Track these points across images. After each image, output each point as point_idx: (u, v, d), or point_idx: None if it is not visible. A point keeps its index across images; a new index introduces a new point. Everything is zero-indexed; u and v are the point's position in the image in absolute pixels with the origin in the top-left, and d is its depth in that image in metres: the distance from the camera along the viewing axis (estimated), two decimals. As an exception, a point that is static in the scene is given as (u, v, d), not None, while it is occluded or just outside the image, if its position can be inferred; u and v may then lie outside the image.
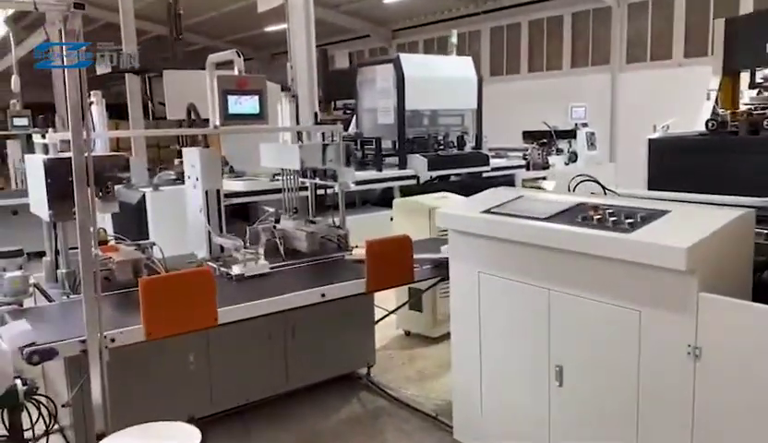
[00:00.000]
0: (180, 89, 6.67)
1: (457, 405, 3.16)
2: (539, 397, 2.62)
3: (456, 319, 3.08)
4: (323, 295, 3.36)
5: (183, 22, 9.56)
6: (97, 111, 3.50)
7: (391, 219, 7.07)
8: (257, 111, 3.52)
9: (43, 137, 3.44)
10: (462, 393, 3.12)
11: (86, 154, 2.59)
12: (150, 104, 6.93)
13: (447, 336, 5.07)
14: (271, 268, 3.79)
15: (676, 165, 4.25)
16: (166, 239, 3.95)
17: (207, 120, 3.87)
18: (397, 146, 7.58)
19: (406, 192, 7.25)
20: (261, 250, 4.25)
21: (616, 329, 2.32)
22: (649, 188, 4.14)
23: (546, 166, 8.71)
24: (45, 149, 3.61)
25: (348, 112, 10.07)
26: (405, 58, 7.41)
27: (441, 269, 3.74)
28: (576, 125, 9.31)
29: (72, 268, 3.46)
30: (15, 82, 2.75)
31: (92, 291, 2.63)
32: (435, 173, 7.45)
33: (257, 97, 3.51)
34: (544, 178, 8.68)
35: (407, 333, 5.21)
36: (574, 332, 2.46)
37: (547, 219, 2.49)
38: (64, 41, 2.48)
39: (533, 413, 2.67)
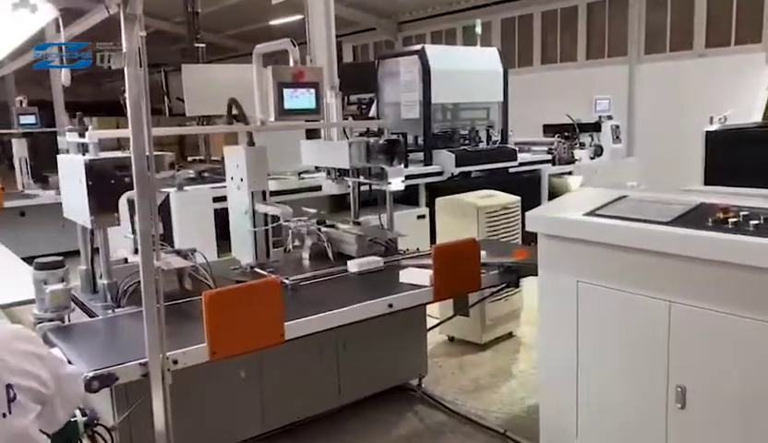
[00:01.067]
0: (200, 83, 6.38)
1: (546, 427, 2.90)
2: (654, 421, 2.36)
3: (546, 333, 2.82)
4: (390, 306, 3.09)
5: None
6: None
7: (419, 217, 6.88)
8: (313, 105, 3.23)
9: (81, 135, 3.12)
10: (552, 415, 2.85)
11: (147, 154, 2.31)
12: (166, 100, 6.63)
13: (495, 342, 4.86)
14: (319, 274, 3.53)
15: (736, 158, 4.03)
16: (191, 241, 3.68)
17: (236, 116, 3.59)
18: (421, 141, 7.30)
19: (432, 189, 6.99)
20: (306, 254, 3.99)
21: (755, 347, 2.06)
22: (705, 183, 3.91)
23: (571, 161, 8.46)
24: (79, 148, 3.30)
25: (363, 106, 9.77)
26: (431, 49, 7.12)
27: (508, 275, 3.50)
28: (600, 117, 9.07)
29: (114, 278, 3.17)
30: (65, 75, 2.47)
31: (154, 309, 2.34)
32: (462, 170, 7.18)
33: (313, 90, 3.22)
34: (570, 173, 8.45)
35: (451, 339, 4.95)
36: (701, 349, 2.21)
37: (671, 223, 2.23)
38: (123, 26, 2.18)
39: (645, 438, 2.41)
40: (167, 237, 4.90)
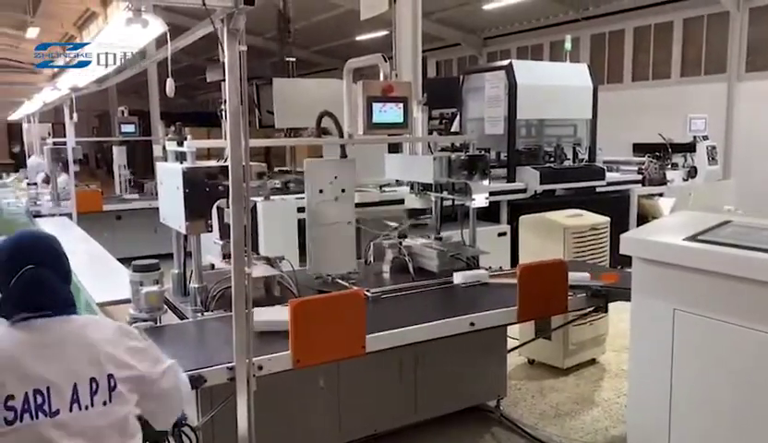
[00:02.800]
0: (289, 97, 6.56)
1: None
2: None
3: (638, 363, 2.68)
4: (472, 324, 3.03)
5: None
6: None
7: (500, 234, 6.75)
8: (401, 119, 3.24)
9: (180, 144, 3.27)
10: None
11: (244, 163, 2.38)
12: (257, 112, 6.87)
13: (578, 367, 4.68)
14: (401, 288, 3.52)
15: None
16: (276, 249, 3.75)
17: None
18: (504, 157, 7.19)
19: (515, 206, 6.86)
20: (387, 267, 4.00)
21: None
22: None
23: (663, 182, 8.08)
24: (177, 157, 3.45)
25: (444, 121, 9.75)
26: (518, 65, 7.02)
27: (596, 299, 3.36)
28: (695, 137, 8.63)
29: (204, 283, 3.29)
30: (170, 87, 2.61)
31: (243, 314, 2.40)
32: (546, 187, 7.01)
33: (402, 104, 3.23)
34: (661, 194, 8.08)
35: (531, 362, 4.81)
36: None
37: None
38: (226, 40, 2.26)
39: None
40: (254, 245, 5.06)
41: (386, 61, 3.39)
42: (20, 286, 1.80)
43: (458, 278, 3.48)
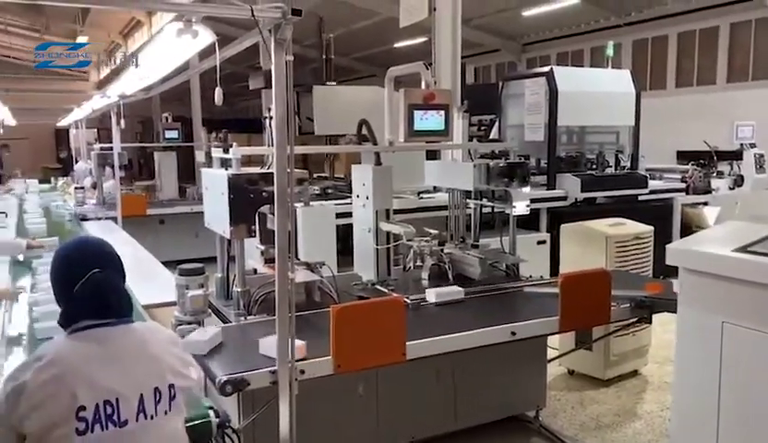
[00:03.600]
0: (329, 104, 6.63)
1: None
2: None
3: (683, 376, 2.61)
4: (513, 334, 3.01)
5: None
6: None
7: (539, 243, 6.68)
8: (442, 127, 3.25)
9: (225, 151, 3.34)
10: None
11: (289, 171, 2.42)
12: (297, 119, 6.96)
13: (619, 379, 4.59)
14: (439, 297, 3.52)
15: None
16: (314, 255, 3.79)
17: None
18: (544, 164, 7.12)
19: (554, 214, 6.79)
20: (425, 274, 3.99)
21: None
22: None
23: (708, 190, 7.89)
24: (221, 163, 3.53)
25: (483, 128, 9.71)
26: (559, 71, 6.96)
27: (640, 310, 3.30)
28: (742, 145, 8.40)
29: (247, 287, 3.34)
30: (219, 95, 2.68)
31: (286, 319, 2.43)
32: (587, 195, 6.91)
33: (443, 112, 3.24)
34: (705, 203, 7.88)
35: (570, 372, 4.74)
36: None
37: None
38: (273, 51, 2.31)
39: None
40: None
41: (427, 69, 3.39)
42: (88, 290, 1.81)
43: (431, 296, 3.41)
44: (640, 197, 7.32)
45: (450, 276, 3.80)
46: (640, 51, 12.89)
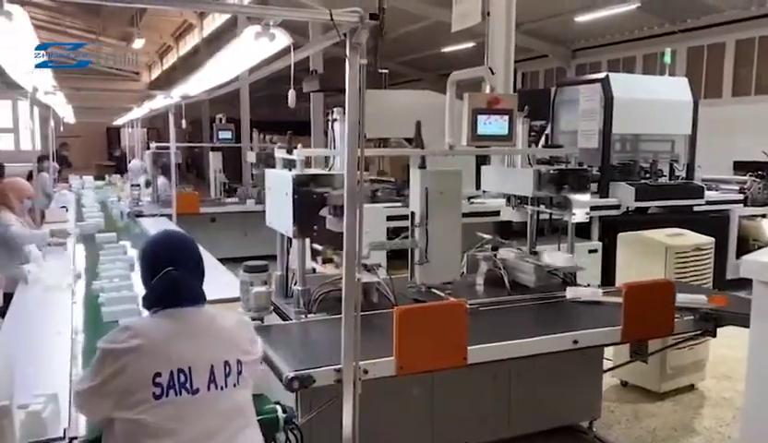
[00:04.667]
0: (379, 108, 6.66)
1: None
2: None
3: (756, 394, 2.54)
4: (575, 342, 2.99)
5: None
6: (339, 128, 3.40)
7: (591, 252, 6.58)
8: (505, 132, 3.25)
9: (289, 152, 3.41)
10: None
11: (359, 173, 2.46)
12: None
13: (674, 393, 4.49)
14: (497, 302, 3.51)
15: None
16: (368, 259, 3.81)
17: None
18: (596, 171, 7.01)
19: (606, 223, 6.68)
20: (480, 280, 3.99)
21: None
22: None
23: (767, 202, 7.65)
24: (283, 164, 3.60)
25: (533, 134, 9.60)
26: (614, 77, 6.86)
27: (704, 322, 3.23)
28: (805, 156, 8.12)
29: (307, 286, 3.40)
30: (292, 97, 2.75)
31: (352, 319, 2.46)
32: (641, 204, 6.78)
33: (507, 117, 3.24)
34: (764, 216, 7.65)
35: (624, 384, 4.66)
36: None
37: None
38: (348, 53, 2.35)
39: None
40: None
41: (493, 73, 3.40)
42: (162, 284, 2.00)
43: (570, 293, 3.43)
44: (695, 208, 7.15)
45: (507, 282, 3.78)
46: (695, 58, 12.58)
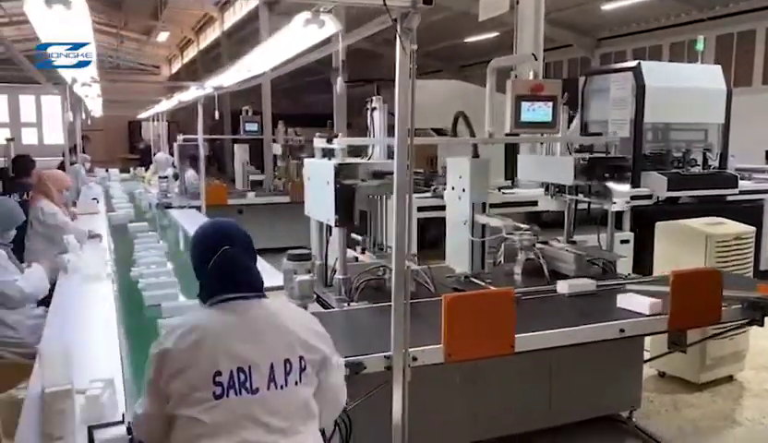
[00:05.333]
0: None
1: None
2: None
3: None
4: (622, 331, 2.96)
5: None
6: (379, 116, 3.39)
7: (623, 242, 6.50)
8: (549, 119, 3.22)
9: (329, 141, 3.40)
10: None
11: (408, 163, 2.45)
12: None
13: (713, 384, 4.44)
14: (538, 291, 3.48)
15: None
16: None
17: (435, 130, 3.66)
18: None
19: (637, 212, 6.60)
20: (518, 269, 3.96)
21: None
22: None
23: (802, 192, 7.50)
24: (323, 153, 3.60)
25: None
26: (646, 66, 6.75)
27: (752, 311, 3.18)
28: (840, 145, 7.95)
29: (348, 274, 3.40)
30: (341, 85, 2.75)
31: (401, 308, 2.46)
32: (674, 194, 6.69)
33: (551, 104, 3.20)
34: (799, 206, 7.49)
35: (661, 374, 4.61)
36: None
37: None
38: (399, 39, 2.34)
39: None
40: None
41: (536, 59, 3.37)
42: (219, 266, 1.91)
43: (563, 287, 3.38)
44: (728, 198, 7.03)
45: (546, 272, 3.75)
46: (724, 46, 12.36)
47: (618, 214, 6.61)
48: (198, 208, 7.90)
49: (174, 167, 9.65)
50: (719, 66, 7.44)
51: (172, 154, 11.25)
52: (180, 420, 1.79)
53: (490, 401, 3.46)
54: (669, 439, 3.72)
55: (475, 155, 3.76)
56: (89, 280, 4.02)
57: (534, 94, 3.20)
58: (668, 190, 6.61)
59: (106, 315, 3.35)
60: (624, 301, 3.17)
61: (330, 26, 2.43)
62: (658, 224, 4.64)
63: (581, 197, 4.04)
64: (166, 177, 8.96)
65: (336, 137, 3.37)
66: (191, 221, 6.84)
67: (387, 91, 7.13)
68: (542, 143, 4.01)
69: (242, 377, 1.79)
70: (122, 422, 2.10)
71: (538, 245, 4.00)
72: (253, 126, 8.81)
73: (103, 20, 22.51)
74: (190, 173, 9.19)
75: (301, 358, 1.90)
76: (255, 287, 1.96)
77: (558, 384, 3.62)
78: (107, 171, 12.74)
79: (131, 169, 14.19)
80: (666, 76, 7.00)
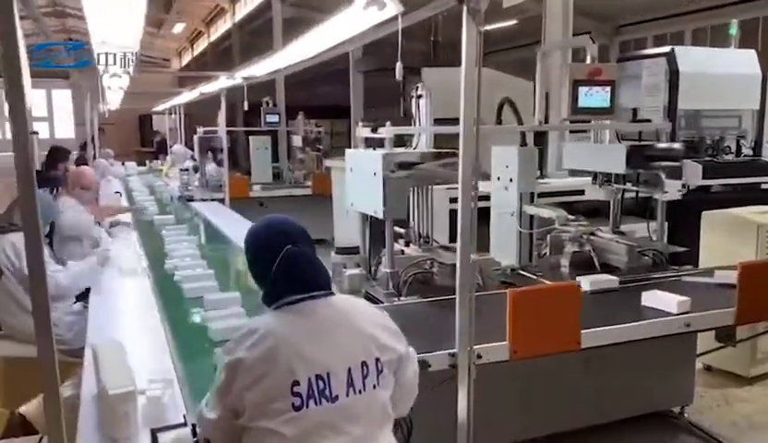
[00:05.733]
0: (438, 86, 6.50)
1: None
2: None
3: None
4: (687, 325, 2.84)
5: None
6: (424, 104, 3.28)
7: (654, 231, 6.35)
8: (607, 104, 3.10)
9: (374, 131, 3.29)
10: None
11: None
12: (401, 102, 6.89)
13: (764, 377, 4.31)
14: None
15: None
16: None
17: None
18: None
19: (669, 202, 6.43)
20: (566, 261, 3.85)
21: None
22: None
23: (838, 180, 7.31)
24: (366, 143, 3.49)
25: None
26: (680, 51, 6.57)
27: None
28: None
29: (396, 268, 3.30)
30: (399, 69, 2.64)
31: (467, 303, 2.35)
32: (709, 182, 6.53)
33: (609, 88, 3.08)
34: (835, 194, 7.31)
35: (708, 368, 4.48)
36: None
37: None
38: (465, 19, 2.22)
39: None
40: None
41: (594, 43, 3.23)
42: (284, 268, 1.80)
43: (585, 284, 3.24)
44: (762, 186, 6.86)
45: (597, 263, 3.63)
46: (749, 32, 12.08)
47: (645, 203, 6.48)
48: (221, 200, 7.83)
49: (194, 160, 9.58)
50: (753, 51, 7.24)
51: (188, 146, 11.19)
52: (256, 432, 1.69)
53: (540, 398, 3.35)
54: (725, 435, 3.59)
55: (523, 143, 3.65)
56: (125, 274, 3.95)
57: (591, 79, 3.08)
58: (703, 178, 6.44)
59: (147, 309, 3.28)
60: (649, 299, 2.99)
61: (391, 7, 2.31)
62: (705, 214, 4.51)
63: (628, 185, 3.92)
64: (187, 170, 8.88)
65: (383, 125, 3.25)
66: (216, 214, 6.78)
67: (413, 79, 7.01)
68: (593, 131, 3.87)
69: (320, 384, 1.69)
70: (185, 424, 2.02)
71: (588, 237, 3.90)
72: (274, 118, 8.70)
73: (114, 13, 22.42)
74: (211, 166, 9.11)
75: (377, 360, 1.80)
76: (323, 284, 1.86)
77: (610, 379, 3.50)
78: (123, 164, 12.70)
79: (147, 162, 14.14)
80: (701, 61, 6.82)
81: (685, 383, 3.76)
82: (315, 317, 1.78)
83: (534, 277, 3.45)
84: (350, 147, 9.93)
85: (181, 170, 8.73)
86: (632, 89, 7.02)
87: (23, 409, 2.57)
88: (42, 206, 3.85)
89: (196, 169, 9.19)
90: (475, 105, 2.30)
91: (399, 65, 2.72)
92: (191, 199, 7.97)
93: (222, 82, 5.11)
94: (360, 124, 3.49)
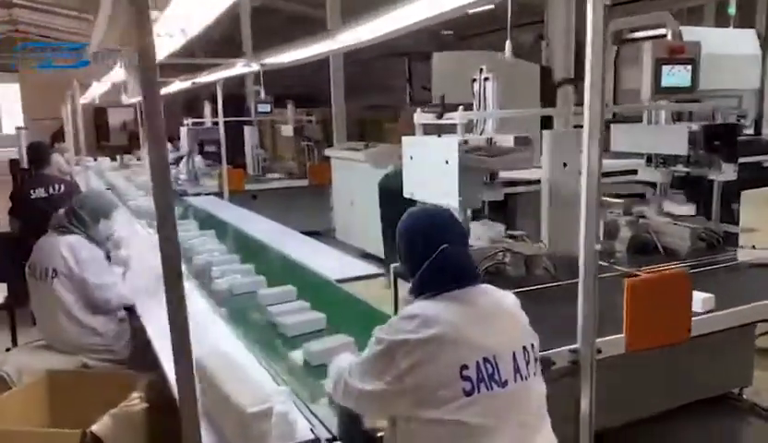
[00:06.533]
0: (449, 71, 6.35)
1: None
2: None
3: None
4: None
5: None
6: (492, 88, 3.13)
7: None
8: (688, 83, 3.02)
9: (439, 117, 3.13)
10: None
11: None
12: (409, 88, 6.73)
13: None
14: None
15: None
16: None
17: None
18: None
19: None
20: (622, 246, 3.78)
21: None
22: None
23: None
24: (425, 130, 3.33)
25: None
26: (684, 32, 6.58)
27: None
28: None
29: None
30: (508, 48, 2.49)
31: (591, 295, 2.23)
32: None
33: (690, 67, 3.00)
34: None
35: (759, 350, 4.47)
36: None
37: None
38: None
39: None
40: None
41: (675, 20, 3.14)
42: (443, 259, 1.78)
43: (743, 255, 3.22)
44: (765, 164, 6.99)
45: (660, 248, 3.57)
46: (746, 9, 12.11)
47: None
48: (216, 194, 7.56)
49: (178, 151, 9.19)
50: (752, 30, 7.33)
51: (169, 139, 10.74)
52: (418, 423, 1.63)
53: (618, 389, 3.26)
54: (790, 416, 3.59)
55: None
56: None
57: (673, 57, 2.99)
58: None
59: (204, 310, 3.07)
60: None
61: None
62: (744, 193, 4.48)
63: (680, 167, 3.87)
64: (173, 163, 8.51)
65: (452, 109, 3.09)
66: (217, 209, 6.51)
67: (420, 65, 6.86)
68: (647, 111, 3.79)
69: (489, 368, 1.66)
70: (316, 440, 1.86)
71: (643, 220, 3.84)
72: (266, 108, 8.40)
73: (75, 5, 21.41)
74: (197, 159, 8.76)
75: (533, 346, 1.81)
76: (476, 274, 1.89)
77: (674, 365, 3.44)
78: (96, 159, 12.16)
79: (117, 157, 13.54)
80: (702, 41, 6.85)
81: (744, 365, 3.74)
82: (472, 303, 1.78)
83: (606, 264, 3.35)
84: (333, 137, 9.61)
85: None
86: (633, 72, 6.99)
87: (95, 428, 2.37)
88: (96, 202, 3.51)
89: (178, 160, 8.82)
90: (602, 91, 2.13)
91: (507, 44, 2.56)
92: (184, 194, 7.64)
93: (237, 69, 4.85)
94: (419, 110, 3.32)
